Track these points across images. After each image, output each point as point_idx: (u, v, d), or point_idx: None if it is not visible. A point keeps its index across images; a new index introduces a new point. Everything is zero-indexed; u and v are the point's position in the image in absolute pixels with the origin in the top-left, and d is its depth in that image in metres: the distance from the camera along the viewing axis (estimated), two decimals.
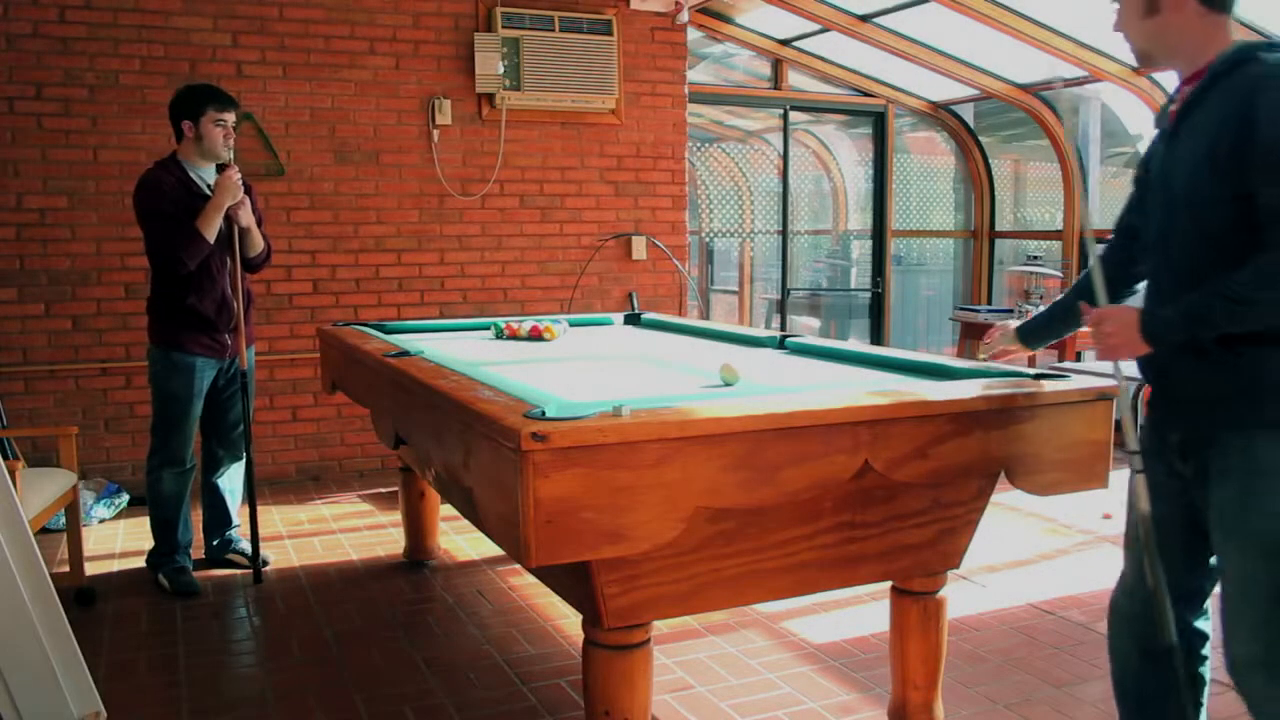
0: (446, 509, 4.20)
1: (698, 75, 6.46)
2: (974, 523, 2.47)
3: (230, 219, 3.63)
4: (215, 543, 3.96)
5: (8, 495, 2.30)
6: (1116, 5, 1.87)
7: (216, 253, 3.63)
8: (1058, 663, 3.06)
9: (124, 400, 4.97)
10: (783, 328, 6.71)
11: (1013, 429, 2.25)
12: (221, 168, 3.63)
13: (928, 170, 7.52)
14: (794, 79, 6.82)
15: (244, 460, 3.88)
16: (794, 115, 6.87)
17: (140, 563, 3.89)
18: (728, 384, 2.45)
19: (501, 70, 5.39)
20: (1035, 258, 6.46)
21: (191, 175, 3.64)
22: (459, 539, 4.30)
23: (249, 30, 5.06)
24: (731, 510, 2.08)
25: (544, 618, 3.43)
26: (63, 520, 3.78)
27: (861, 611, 3.44)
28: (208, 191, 3.62)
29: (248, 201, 3.67)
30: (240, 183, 3.60)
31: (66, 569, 3.66)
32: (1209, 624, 2.08)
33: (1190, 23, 1.74)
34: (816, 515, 2.24)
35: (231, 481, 3.96)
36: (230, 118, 3.64)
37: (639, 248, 5.90)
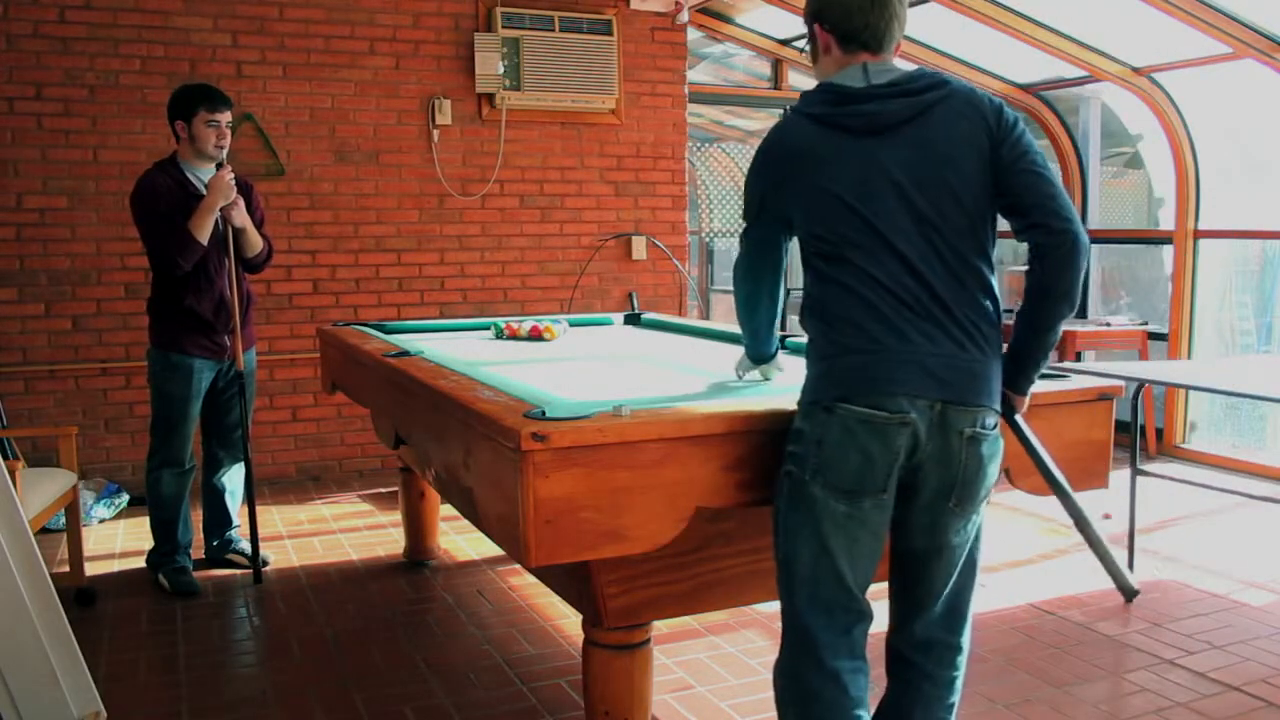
0: (446, 509, 4.20)
1: (698, 75, 6.46)
2: None
3: (225, 219, 3.61)
4: (215, 543, 3.96)
5: (8, 495, 2.30)
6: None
7: (214, 253, 3.61)
8: (1058, 663, 3.06)
9: (124, 400, 4.97)
10: (783, 328, 6.69)
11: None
12: (220, 166, 3.62)
13: None
14: (794, 79, 6.82)
15: (243, 461, 3.87)
16: None
17: (140, 563, 3.89)
18: (765, 379, 2.49)
19: (501, 70, 5.38)
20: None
21: (189, 176, 3.62)
22: (459, 539, 4.30)
23: (249, 30, 5.06)
24: (731, 510, 2.08)
25: (544, 618, 3.43)
26: (63, 520, 3.77)
27: None
28: (204, 192, 3.59)
29: (241, 202, 3.63)
30: (232, 183, 3.57)
31: (66, 569, 3.65)
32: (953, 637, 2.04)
33: (836, 63, 1.97)
34: None
35: (231, 482, 3.96)
36: (224, 118, 3.60)
37: (639, 248, 5.89)
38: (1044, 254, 1.87)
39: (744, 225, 2.14)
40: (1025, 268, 1.92)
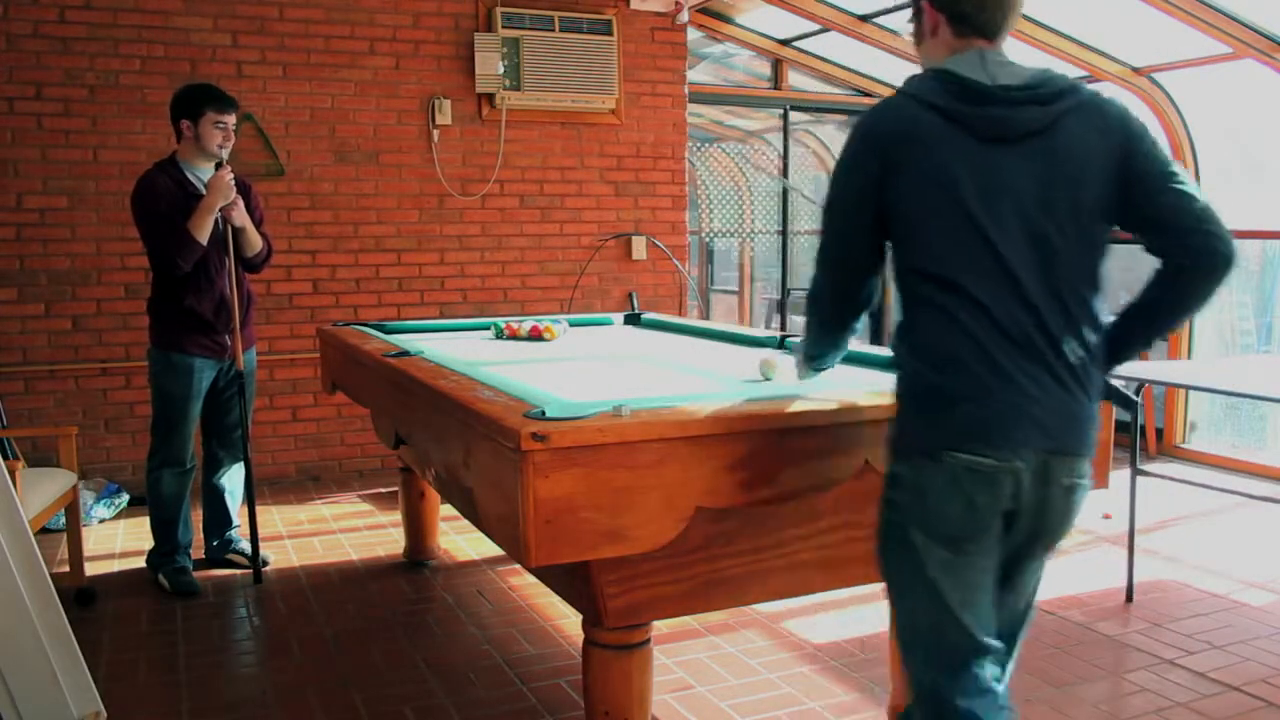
0: (446, 509, 4.19)
1: (698, 75, 6.46)
2: None
3: (225, 219, 3.61)
4: (215, 543, 3.96)
5: (8, 495, 2.30)
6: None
7: (214, 253, 3.62)
8: (1058, 663, 3.06)
9: (124, 400, 4.97)
10: (783, 328, 6.71)
11: None
12: (219, 166, 3.64)
13: None
14: (794, 79, 6.82)
15: (243, 461, 3.87)
16: (794, 115, 6.87)
17: (140, 563, 3.89)
18: (766, 378, 2.52)
19: (501, 70, 5.38)
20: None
21: (189, 176, 3.63)
22: (459, 539, 4.30)
23: (249, 30, 5.06)
24: (731, 510, 2.08)
25: (544, 618, 3.43)
26: (63, 520, 3.77)
27: (861, 611, 3.44)
28: (204, 191, 3.59)
29: (240, 202, 3.64)
30: (232, 183, 3.57)
31: (66, 569, 3.65)
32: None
33: (947, 46, 1.78)
34: (816, 515, 2.24)
35: (231, 482, 3.95)
36: (230, 120, 3.61)
37: (639, 248, 5.89)
38: (1193, 272, 1.72)
39: (823, 238, 1.87)
40: None
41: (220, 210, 3.57)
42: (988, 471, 1.68)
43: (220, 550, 3.96)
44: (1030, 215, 1.67)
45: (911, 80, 1.77)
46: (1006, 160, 1.68)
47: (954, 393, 1.69)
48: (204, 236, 3.53)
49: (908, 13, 1.87)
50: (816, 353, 2.08)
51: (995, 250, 1.67)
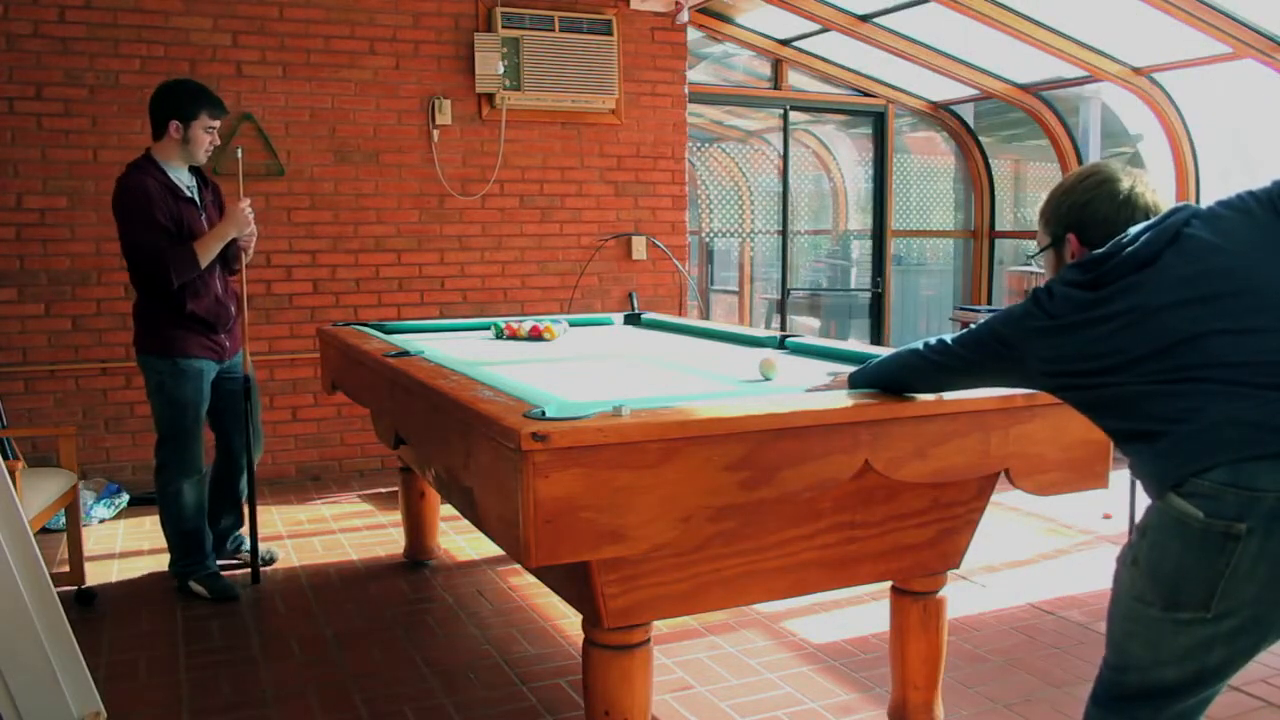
0: (446, 509, 4.20)
1: (698, 75, 6.46)
2: (974, 523, 2.47)
3: (240, 249, 3.62)
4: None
5: (8, 495, 2.30)
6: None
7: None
8: (1058, 663, 3.06)
9: (124, 400, 4.96)
10: (783, 328, 6.70)
11: (1013, 429, 2.25)
12: (195, 169, 3.63)
13: (928, 170, 7.52)
14: (794, 79, 6.82)
15: (248, 464, 3.83)
16: (794, 115, 6.87)
17: (141, 563, 3.90)
18: (766, 378, 2.51)
19: (501, 70, 5.38)
20: (1035, 257, 6.46)
21: (171, 177, 3.51)
22: (459, 539, 4.30)
23: (249, 30, 5.06)
24: (731, 510, 2.08)
25: (544, 618, 3.43)
26: (63, 520, 3.77)
27: (861, 611, 3.44)
28: (188, 193, 3.54)
29: (256, 234, 3.64)
30: (250, 216, 3.55)
31: (66, 569, 3.65)
32: None
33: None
34: (816, 515, 2.24)
35: (239, 484, 3.93)
36: (219, 124, 3.58)
37: (639, 248, 5.90)
38: None
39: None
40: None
41: (238, 242, 3.58)
42: (1195, 527, 1.48)
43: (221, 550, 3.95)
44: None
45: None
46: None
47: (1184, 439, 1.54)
48: (207, 263, 3.48)
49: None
50: (879, 381, 2.15)
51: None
